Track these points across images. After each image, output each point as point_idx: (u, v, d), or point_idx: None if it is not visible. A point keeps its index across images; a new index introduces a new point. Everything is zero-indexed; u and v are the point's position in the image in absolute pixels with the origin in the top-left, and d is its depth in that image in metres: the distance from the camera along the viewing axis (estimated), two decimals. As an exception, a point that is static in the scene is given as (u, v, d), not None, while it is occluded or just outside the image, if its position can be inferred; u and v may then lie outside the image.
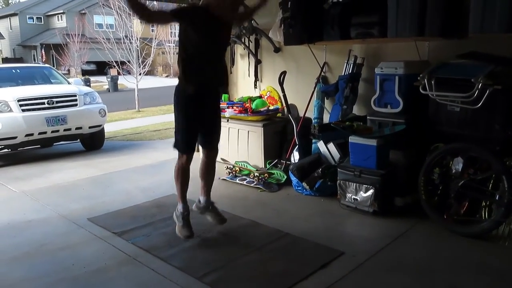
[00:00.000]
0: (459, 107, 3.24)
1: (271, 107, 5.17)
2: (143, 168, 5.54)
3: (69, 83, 7.38)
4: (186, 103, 3.03)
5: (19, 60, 30.58)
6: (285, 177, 4.45)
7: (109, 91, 21.21)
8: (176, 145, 3.14)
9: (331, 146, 4.17)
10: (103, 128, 6.93)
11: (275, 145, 4.97)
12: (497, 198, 2.99)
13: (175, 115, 3.11)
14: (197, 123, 3.11)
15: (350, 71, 4.35)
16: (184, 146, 3.10)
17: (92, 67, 29.55)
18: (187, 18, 2.90)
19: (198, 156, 3.26)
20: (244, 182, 4.51)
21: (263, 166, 4.84)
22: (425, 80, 3.26)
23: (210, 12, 2.90)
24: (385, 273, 2.68)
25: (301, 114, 4.81)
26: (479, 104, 3.00)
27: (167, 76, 31.20)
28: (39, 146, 6.87)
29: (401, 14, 3.46)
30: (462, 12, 3.23)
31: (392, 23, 3.53)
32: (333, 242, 3.09)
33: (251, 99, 5.22)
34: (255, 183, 4.44)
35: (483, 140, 3.16)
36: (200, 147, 3.34)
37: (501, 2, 2.90)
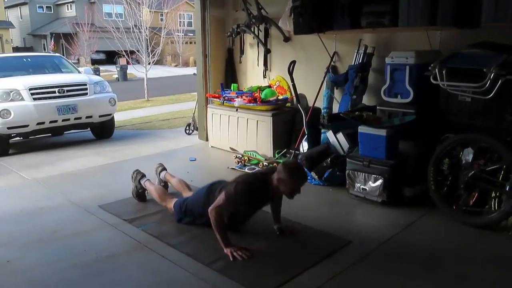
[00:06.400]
0: (470, 97, 3.22)
1: (280, 97, 5.16)
2: (153, 156, 5.58)
3: (79, 72, 7.41)
4: None
5: (29, 49, 30.92)
6: (294, 166, 4.45)
7: (118, 80, 21.30)
8: None
9: (340, 136, 4.16)
10: (113, 117, 6.96)
11: (284, 134, 4.97)
12: (507, 189, 2.98)
13: None
14: None
15: (360, 61, 4.32)
16: None
17: (101, 56, 29.71)
18: (246, 204, 2.85)
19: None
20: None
21: (272, 156, 4.85)
22: (436, 70, 3.24)
23: (270, 192, 2.84)
24: (392, 262, 2.70)
25: (310, 103, 4.80)
26: (491, 94, 2.98)
27: (176, 66, 31.22)
28: (49, 134, 6.95)
29: (412, 3, 3.42)
30: (474, 1, 3.18)
31: (403, 12, 3.49)
32: (341, 231, 3.11)
33: (260, 89, 5.21)
34: (263, 172, 4.45)
35: (494, 130, 3.14)
36: None
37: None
